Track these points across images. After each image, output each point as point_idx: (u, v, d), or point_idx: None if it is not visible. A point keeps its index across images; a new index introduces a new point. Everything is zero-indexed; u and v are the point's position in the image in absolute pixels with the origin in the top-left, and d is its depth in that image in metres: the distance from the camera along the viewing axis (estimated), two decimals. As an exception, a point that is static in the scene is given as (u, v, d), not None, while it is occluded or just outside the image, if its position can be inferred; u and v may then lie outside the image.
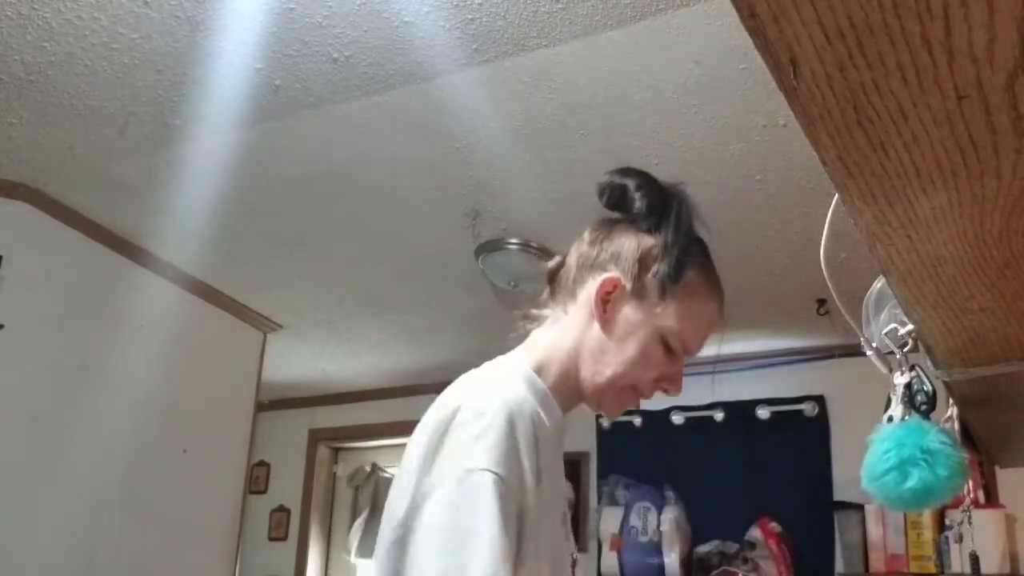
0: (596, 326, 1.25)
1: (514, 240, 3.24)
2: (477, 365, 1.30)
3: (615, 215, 1.32)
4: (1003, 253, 0.76)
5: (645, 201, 1.28)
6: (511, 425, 1.10)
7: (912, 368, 1.14)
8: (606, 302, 1.25)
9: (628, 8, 2.01)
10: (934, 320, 0.94)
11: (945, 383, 1.17)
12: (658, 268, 1.24)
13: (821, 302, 3.62)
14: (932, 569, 3.45)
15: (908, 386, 1.14)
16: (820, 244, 1.12)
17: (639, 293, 1.24)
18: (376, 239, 3.31)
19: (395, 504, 1.15)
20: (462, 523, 1.03)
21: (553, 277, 1.37)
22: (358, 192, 2.94)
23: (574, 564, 1.29)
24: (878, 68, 0.51)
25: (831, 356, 4.12)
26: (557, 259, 1.38)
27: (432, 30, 2.11)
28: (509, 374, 1.24)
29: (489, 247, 3.27)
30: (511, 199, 2.95)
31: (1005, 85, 0.51)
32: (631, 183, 1.30)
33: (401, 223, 3.16)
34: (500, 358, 1.31)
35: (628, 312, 1.24)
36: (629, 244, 1.27)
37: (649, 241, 1.26)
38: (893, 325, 1.12)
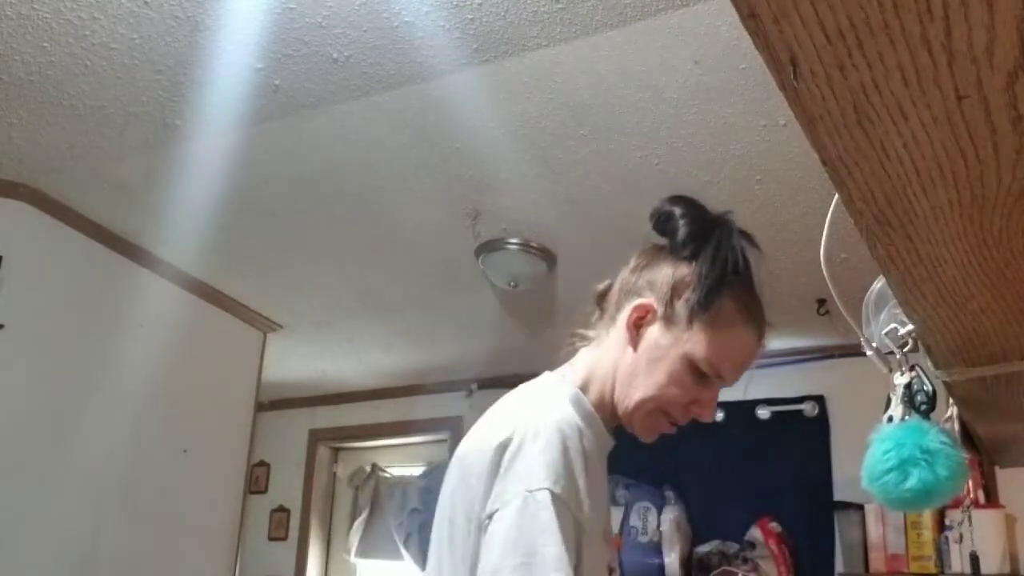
0: (630, 350, 1.31)
1: (514, 240, 3.24)
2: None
3: (662, 242, 1.37)
4: (1003, 253, 0.76)
5: (686, 230, 1.31)
6: (564, 445, 1.17)
7: (912, 368, 1.14)
8: (638, 326, 1.31)
9: (628, 8, 2.01)
10: (934, 320, 0.94)
11: (945, 383, 1.18)
12: (689, 295, 1.27)
13: (821, 302, 3.62)
14: (932, 569, 3.45)
15: (908, 386, 1.14)
16: (820, 244, 1.13)
17: (669, 319, 1.29)
18: (376, 239, 3.31)
19: (457, 517, 1.23)
20: (527, 542, 1.10)
21: (601, 300, 1.42)
22: (358, 192, 2.94)
23: (611, 572, 1.34)
24: (878, 68, 0.51)
25: (831, 356, 4.12)
26: (607, 282, 1.43)
27: (432, 30, 2.11)
28: (556, 393, 1.31)
29: (489, 247, 3.27)
30: (511, 199, 2.95)
31: (1005, 85, 0.51)
32: (677, 210, 1.34)
33: (401, 223, 3.16)
34: (547, 375, 1.39)
35: (657, 337, 1.29)
36: (665, 271, 1.32)
37: (684, 269, 1.30)
38: (893, 325, 1.12)
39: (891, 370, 1.16)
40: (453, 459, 1.33)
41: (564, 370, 1.38)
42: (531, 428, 1.18)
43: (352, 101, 2.42)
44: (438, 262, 3.49)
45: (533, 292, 3.58)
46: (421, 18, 2.07)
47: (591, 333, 1.41)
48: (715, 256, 1.28)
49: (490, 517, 1.14)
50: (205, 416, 3.81)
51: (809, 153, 0.59)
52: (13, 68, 2.30)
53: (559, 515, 1.11)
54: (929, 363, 1.11)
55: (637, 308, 1.30)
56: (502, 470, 1.17)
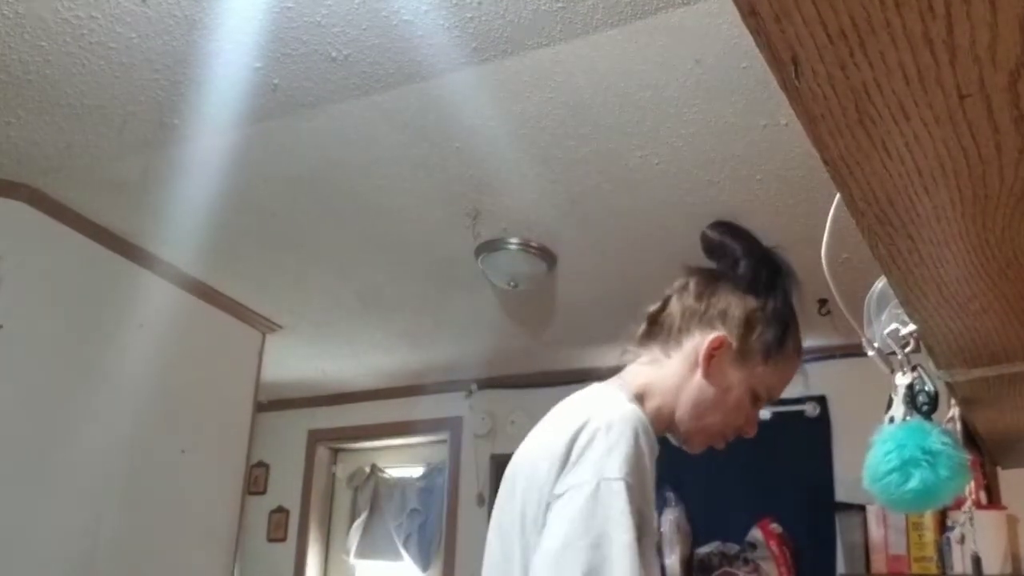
0: (699, 376, 1.38)
1: (514, 240, 3.24)
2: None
3: (716, 268, 1.46)
4: (1005, 253, 0.76)
5: (751, 265, 1.41)
6: (637, 436, 1.22)
7: (914, 368, 1.15)
8: (712, 357, 1.37)
9: (628, 7, 2.01)
10: (936, 320, 0.94)
11: (947, 383, 1.18)
12: (763, 333, 1.38)
13: (823, 302, 3.61)
14: (934, 570, 3.45)
15: (910, 386, 1.14)
16: (822, 244, 1.12)
17: (743, 353, 1.38)
18: (375, 239, 3.31)
19: (516, 507, 1.27)
20: (600, 525, 1.13)
21: (654, 320, 1.48)
22: (357, 191, 2.94)
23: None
24: (880, 67, 0.51)
25: (832, 356, 4.11)
26: (658, 303, 1.49)
27: (431, 29, 2.11)
28: (618, 396, 1.35)
29: (489, 247, 3.27)
30: (511, 199, 2.95)
31: (1007, 84, 0.51)
32: (737, 245, 1.43)
33: (401, 223, 3.16)
34: (598, 385, 1.42)
35: (730, 369, 1.38)
36: (735, 304, 1.40)
37: (753, 304, 1.40)
38: (895, 325, 1.12)
39: (893, 370, 1.16)
40: (509, 470, 1.38)
41: (616, 382, 1.43)
42: (604, 419, 1.23)
43: (351, 100, 2.41)
44: (438, 262, 3.49)
45: (533, 292, 3.58)
46: (420, 17, 2.07)
47: (642, 351, 1.47)
48: (786, 299, 1.42)
49: (560, 496, 1.18)
50: (204, 416, 3.81)
51: (810, 152, 0.59)
52: (11, 67, 2.30)
53: (630, 505, 1.15)
54: (931, 363, 1.11)
55: (713, 340, 1.37)
56: (574, 456, 1.20)
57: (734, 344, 1.37)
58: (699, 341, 1.38)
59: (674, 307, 1.45)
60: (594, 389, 1.40)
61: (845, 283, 1.16)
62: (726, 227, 1.46)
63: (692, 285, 1.45)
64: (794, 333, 1.42)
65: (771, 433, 4.15)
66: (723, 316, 1.39)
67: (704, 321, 1.40)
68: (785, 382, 1.44)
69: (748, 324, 1.38)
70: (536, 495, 1.23)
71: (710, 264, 1.48)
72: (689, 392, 1.38)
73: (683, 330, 1.41)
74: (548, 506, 1.19)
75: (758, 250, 1.43)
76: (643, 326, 1.49)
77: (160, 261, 3.49)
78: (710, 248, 1.46)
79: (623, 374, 1.45)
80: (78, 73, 2.31)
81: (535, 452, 1.29)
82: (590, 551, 1.11)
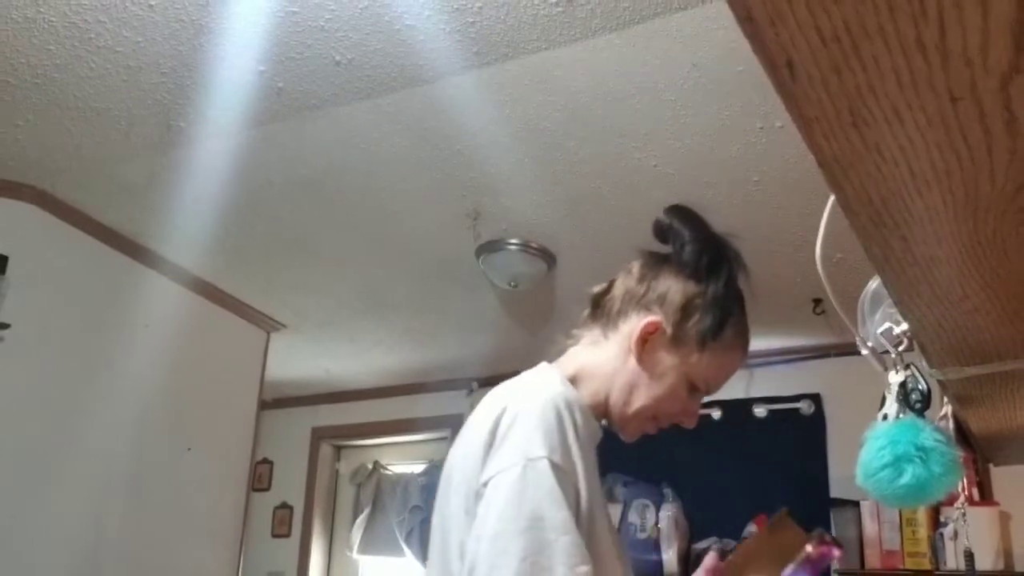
0: (633, 360, 1.34)
1: (514, 240, 3.26)
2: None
3: (665, 251, 1.40)
4: (997, 253, 0.76)
5: (696, 250, 1.35)
6: (559, 414, 1.19)
7: (907, 367, 1.14)
8: (645, 341, 1.33)
9: (627, 12, 2.03)
10: (928, 319, 0.93)
11: (940, 382, 1.16)
12: (700, 320, 1.33)
13: (817, 302, 3.63)
14: (927, 566, 3.46)
15: (903, 384, 1.14)
16: (816, 244, 1.13)
17: (677, 339, 1.33)
18: (378, 239, 3.32)
19: (453, 503, 1.23)
20: (531, 507, 1.09)
21: (597, 302, 1.44)
22: (360, 193, 2.95)
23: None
24: (873, 71, 0.51)
25: (827, 355, 4.13)
26: (603, 285, 1.45)
27: (433, 33, 2.12)
28: (547, 377, 1.33)
29: (489, 247, 3.29)
30: (511, 200, 2.96)
31: (999, 87, 0.51)
32: (685, 229, 1.38)
33: (403, 224, 3.17)
34: (534, 369, 1.40)
35: (664, 355, 1.34)
36: (675, 288, 1.35)
37: (694, 289, 1.34)
38: (888, 324, 1.12)
39: (886, 369, 1.16)
40: (446, 465, 1.34)
41: (550, 366, 1.40)
42: (525, 403, 1.20)
43: (354, 103, 2.43)
44: (439, 262, 3.50)
45: (533, 292, 3.58)
46: (422, 21, 2.08)
47: (584, 333, 1.44)
48: (727, 286, 1.35)
49: (486, 484, 1.14)
50: (209, 414, 3.82)
51: (805, 155, 0.60)
52: (19, 71, 2.31)
53: (560, 483, 1.12)
54: (924, 362, 1.10)
55: (647, 324, 1.33)
56: (497, 441, 1.17)
57: (669, 330, 1.33)
58: (634, 325, 1.34)
59: (617, 289, 1.41)
60: (522, 375, 1.37)
61: (839, 283, 1.17)
62: (677, 211, 1.40)
63: (636, 267, 1.41)
64: (735, 323, 1.36)
65: (767, 430, 4.22)
66: (661, 300, 1.34)
67: (641, 304, 1.36)
68: (725, 374, 1.38)
69: (685, 310, 1.33)
70: (465, 488, 1.20)
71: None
72: (623, 377, 1.34)
73: (621, 313, 1.38)
74: (477, 496, 1.16)
75: (705, 235, 1.37)
76: (587, 308, 1.46)
77: (166, 262, 3.50)
78: (660, 231, 1.41)
79: (561, 358, 1.42)
80: (86, 76, 2.33)
81: (465, 445, 1.26)
82: (526, 534, 1.08)
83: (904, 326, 1.06)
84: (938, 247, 0.75)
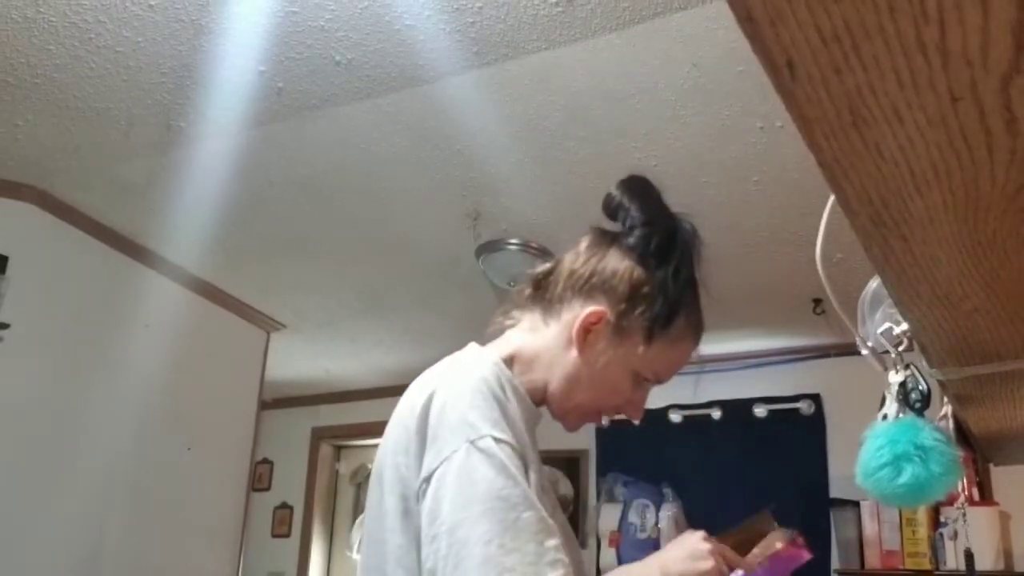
0: (574, 351, 1.22)
1: (514, 240, 3.26)
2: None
3: (613, 232, 1.29)
4: (997, 254, 0.75)
5: (647, 238, 1.23)
6: (493, 393, 1.09)
7: (907, 367, 1.14)
8: (588, 332, 1.22)
9: (627, 12, 2.03)
10: (928, 320, 0.93)
11: (939, 382, 1.16)
12: (647, 310, 1.21)
13: (817, 302, 3.64)
14: (927, 565, 3.47)
15: (903, 384, 1.14)
16: (816, 245, 1.13)
17: (622, 329, 1.21)
18: (378, 240, 3.32)
19: (387, 504, 1.11)
20: (486, 488, 0.99)
21: (539, 284, 1.33)
22: (360, 193, 2.95)
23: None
24: (873, 71, 0.50)
25: (827, 355, 4.14)
26: (547, 266, 1.34)
27: (433, 33, 2.12)
28: (479, 358, 1.22)
29: (489, 247, 3.29)
30: (511, 200, 2.96)
31: (999, 87, 0.51)
32: (635, 205, 1.27)
33: (403, 224, 3.17)
34: (463, 350, 1.29)
35: (607, 346, 1.22)
36: (622, 275, 1.23)
37: (642, 276, 1.22)
38: (888, 324, 1.12)
39: (886, 369, 1.16)
40: (376, 461, 1.23)
41: (487, 346, 1.30)
42: (456, 384, 1.11)
43: (354, 103, 2.43)
44: (439, 262, 3.50)
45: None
46: (422, 21, 2.09)
47: (524, 316, 1.32)
48: (678, 272, 1.22)
49: (428, 480, 1.03)
50: (209, 414, 3.82)
51: (805, 155, 0.60)
52: (19, 71, 2.31)
53: (509, 458, 1.02)
54: (924, 362, 1.10)
55: (589, 315, 1.21)
56: (431, 430, 1.07)
57: (613, 320, 1.20)
58: (576, 313, 1.22)
59: (562, 270, 1.29)
60: (458, 354, 1.27)
61: (839, 283, 1.17)
62: (628, 185, 1.29)
63: (583, 246, 1.29)
64: (686, 312, 1.23)
65: (767, 431, 4.23)
66: (605, 287, 1.22)
67: (584, 291, 1.23)
68: (675, 366, 1.26)
69: (631, 299, 1.20)
70: (401, 487, 1.09)
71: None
72: (563, 366, 1.23)
73: (563, 299, 1.25)
74: (418, 495, 1.04)
75: (656, 214, 1.25)
76: (527, 289, 1.34)
77: (166, 262, 3.51)
78: (609, 208, 1.29)
79: (499, 340, 1.31)
80: (86, 76, 2.33)
81: (394, 440, 1.16)
82: (486, 517, 0.98)
83: (904, 326, 1.06)
84: (938, 247, 0.75)
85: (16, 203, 2.95)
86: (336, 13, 2.07)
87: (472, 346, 1.30)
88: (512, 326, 1.33)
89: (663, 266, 1.22)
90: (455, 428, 1.05)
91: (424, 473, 1.04)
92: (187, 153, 2.71)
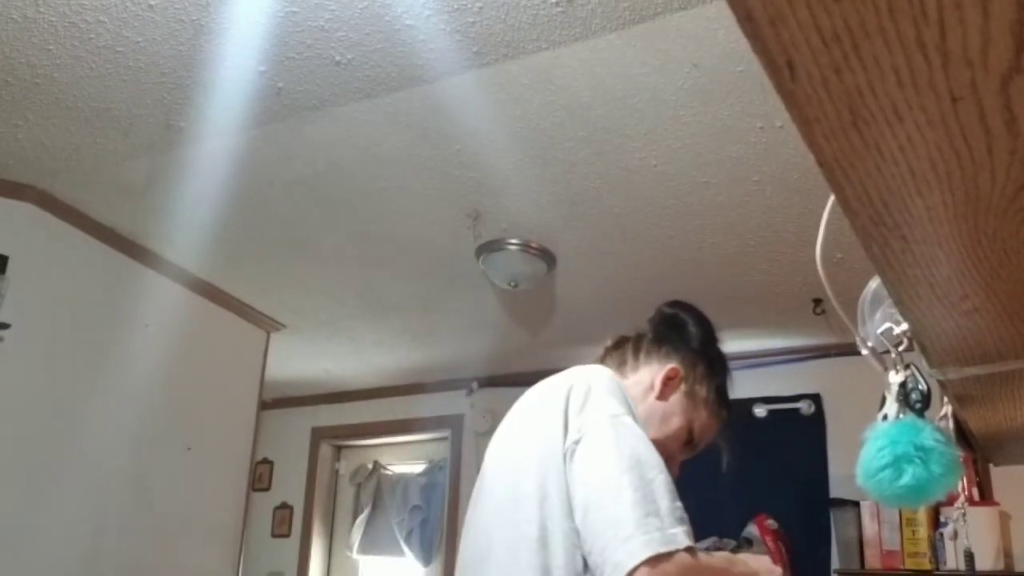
0: (653, 396, 1.55)
1: (514, 240, 3.26)
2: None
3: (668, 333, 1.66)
4: (997, 253, 0.75)
5: (703, 340, 1.64)
6: (621, 389, 1.37)
7: (907, 367, 1.14)
8: (670, 379, 1.57)
9: (627, 12, 2.03)
10: (929, 320, 0.93)
11: (940, 382, 1.16)
12: (708, 381, 1.60)
13: (817, 302, 3.64)
14: (927, 566, 3.47)
15: (903, 384, 1.14)
16: (816, 244, 1.13)
17: (691, 393, 1.58)
18: (378, 240, 3.32)
19: (526, 484, 1.31)
20: (629, 451, 1.24)
21: (619, 344, 1.68)
22: (360, 193, 2.95)
23: None
24: (873, 71, 0.51)
25: (827, 355, 4.14)
26: (623, 335, 1.70)
27: (433, 33, 2.12)
28: (599, 368, 1.48)
29: (489, 247, 3.29)
30: (511, 200, 2.96)
31: (999, 87, 0.51)
32: (691, 322, 1.66)
33: (403, 224, 3.18)
34: (577, 367, 1.52)
35: (679, 399, 1.57)
36: (688, 357, 1.61)
37: (703, 358, 1.62)
38: (888, 324, 1.12)
39: (886, 369, 1.16)
40: (486, 465, 1.46)
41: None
42: (591, 379, 1.37)
43: (354, 103, 2.43)
44: (439, 262, 3.51)
45: (533, 292, 3.59)
46: (422, 21, 2.09)
47: (608, 359, 1.66)
48: (723, 363, 1.66)
49: (579, 442, 1.27)
50: (209, 414, 3.82)
51: (805, 155, 0.60)
52: (19, 71, 2.31)
53: (643, 435, 1.29)
54: (924, 362, 1.10)
55: (671, 369, 1.57)
56: (573, 411, 1.31)
57: (685, 382, 1.57)
58: (657, 368, 1.57)
59: (634, 341, 1.65)
60: (567, 370, 1.49)
61: (839, 283, 1.17)
62: (679, 306, 1.68)
63: (649, 331, 1.66)
64: (727, 400, 1.64)
65: (767, 431, 4.22)
66: (679, 357, 1.60)
67: (663, 354, 1.60)
68: (710, 435, 1.65)
69: (696, 368, 1.59)
70: (550, 459, 1.29)
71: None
72: (641, 406, 1.51)
73: (643, 359, 1.61)
74: (566, 456, 1.27)
75: (708, 332, 1.65)
76: (608, 343, 1.69)
77: (166, 262, 3.51)
78: (668, 320, 1.67)
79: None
80: (85, 76, 2.33)
81: (527, 429, 1.39)
82: (632, 471, 1.21)
83: (904, 326, 1.06)
84: (938, 247, 0.75)
85: (16, 203, 2.95)
86: (336, 13, 2.07)
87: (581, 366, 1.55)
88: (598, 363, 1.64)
89: (715, 364, 1.65)
90: (598, 406, 1.31)
91: (574, 437, 1.28)
92: (187, 153, 2.71)
